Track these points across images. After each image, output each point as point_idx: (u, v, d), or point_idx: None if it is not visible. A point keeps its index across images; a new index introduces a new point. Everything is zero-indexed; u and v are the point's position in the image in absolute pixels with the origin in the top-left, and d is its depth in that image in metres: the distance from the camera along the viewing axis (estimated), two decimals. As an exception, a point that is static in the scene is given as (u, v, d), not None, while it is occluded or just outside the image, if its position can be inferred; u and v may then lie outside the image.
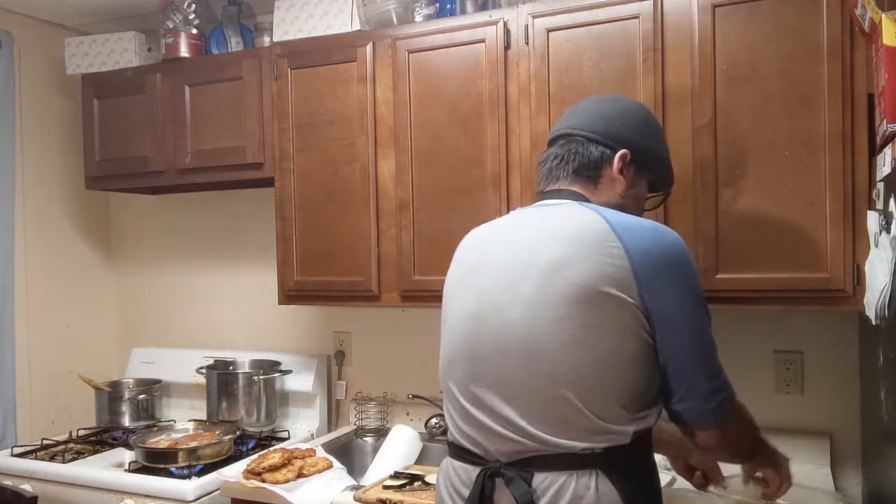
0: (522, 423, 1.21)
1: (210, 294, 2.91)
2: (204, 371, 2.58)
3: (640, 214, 1.44)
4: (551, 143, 1.43)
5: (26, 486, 2.17)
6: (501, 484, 1.23)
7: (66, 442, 2.51)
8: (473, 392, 1.28)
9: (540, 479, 1.20)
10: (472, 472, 1.27)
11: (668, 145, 1.50)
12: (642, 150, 1.39)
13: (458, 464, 1.32)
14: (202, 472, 2.10)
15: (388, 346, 2.57)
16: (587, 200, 1.34)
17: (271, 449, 2.14)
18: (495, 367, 1.25)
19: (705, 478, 1.51)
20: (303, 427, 2.58)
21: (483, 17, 2.00)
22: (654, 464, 1.31)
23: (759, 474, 1.44)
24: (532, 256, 1.25)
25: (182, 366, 2.79)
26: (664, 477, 1.83)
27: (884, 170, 1.22)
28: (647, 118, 1.44)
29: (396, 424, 2.28)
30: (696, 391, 1.21)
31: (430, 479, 1.87)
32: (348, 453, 2.41)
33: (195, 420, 2.50)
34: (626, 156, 1.36)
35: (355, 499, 1.82)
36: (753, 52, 1.70)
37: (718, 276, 1.74)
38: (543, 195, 1.40)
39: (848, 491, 1.97)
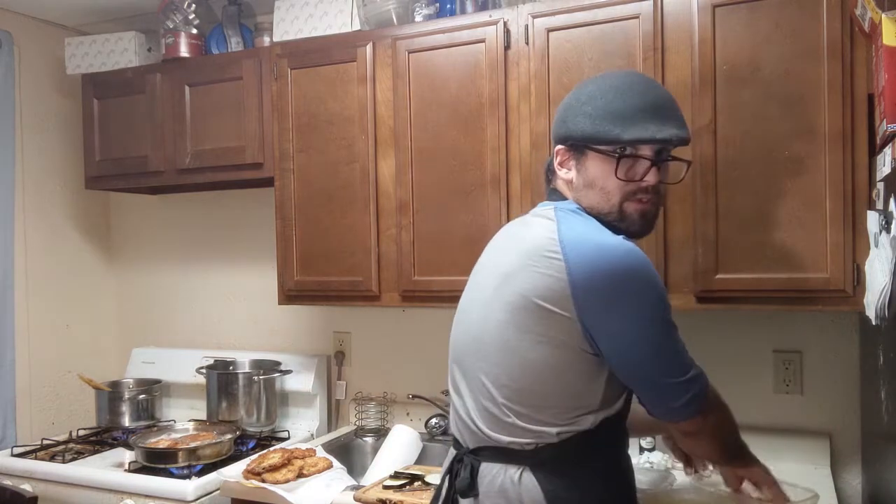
0: (473, 416, 1.33)
1: (210, 294, 2.91)
2: (204, 371, 2.58)
3: (622, 199, 1.32)
4: None
5: (26, 486, 2.17)
6: (462, 469, 1.35)
7: (66, 442, 2.51)
8: (454, 383, 1.41)
9: (483, 468, 1.31)
10: (451, 455, 1.42)
11: (630, 110, 1.30)
12: (572, 136, 1.35)
13: (451, 448, 1.45)
14: (202, 472, 2.10)
15: (388, 346, 2.57)
16: (565, 198, 1.40)
17: (271, 449, 2.13)
18: (463, 362, 1.38)
19: (689, 462, 1.56)
20: (303, 427, 2.58)
21: (483, 17, 2.00)
22: (602, 468, 1.30)
23: (755, 493, 1.42)
24: (499, 262, 1.35)
25: (182, 366, 2.79)
26: (664, 477, 1.83)
27: (884, 170, 1.22)
28: (578, 95, 1.35)
29: (396, 424, 2.28)
30: (663, 394, 1.26)
31: (430, 479, 1.87)
32: (348, 453, 2.41)
33: (195, 420, 2.50)
34: (558, 152, 1.40)
35: (355, 499, 1.82)
36: (753, 52, 1.70)
37: (718, 276, 1.74)
38: (549, 194, 1.46)
39: (848, 491, 1.97)
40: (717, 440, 1.36)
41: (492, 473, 1.29)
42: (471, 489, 1.31)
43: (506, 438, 1.27)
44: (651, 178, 1.32)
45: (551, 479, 1.25)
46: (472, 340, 1.35)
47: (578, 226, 1.29)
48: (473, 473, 1.32)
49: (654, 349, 1.23)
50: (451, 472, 1.38)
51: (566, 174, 1.39)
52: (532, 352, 1.24)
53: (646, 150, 1.32)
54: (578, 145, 1.35)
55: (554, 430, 1.25)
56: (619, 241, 1.25)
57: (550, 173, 1.44)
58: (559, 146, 1.39)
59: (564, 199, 1.39)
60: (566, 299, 1.21)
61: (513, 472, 1.27)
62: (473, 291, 1.41)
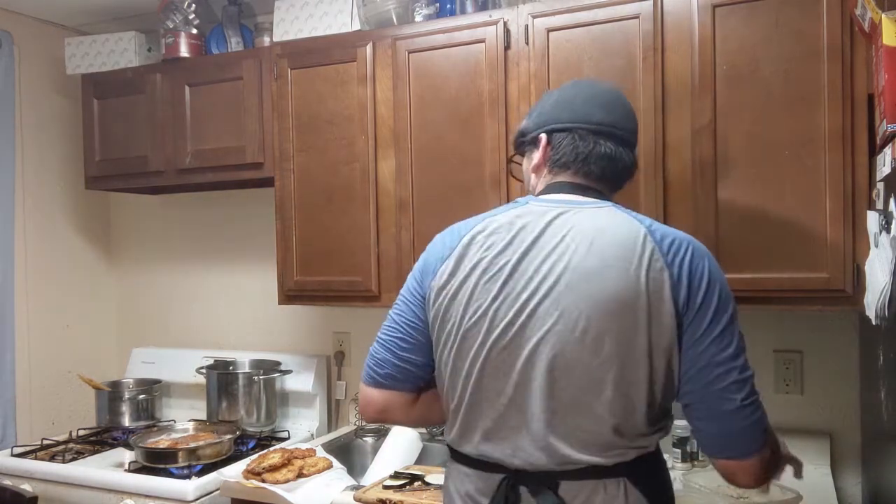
0: (550, 439, 1.16)
1: (210, 294, 2.91)
2: (204, 371, 2.58)
3: None
4: (587, 131, 1.28)
5: (26, 486, 2.17)
6: (526, 493, 1.18)
7: (66, 442, 2.51)
8: (501, 404, 1.20)
9: (567, 488, 1.16)
10: (491, 479, 1.21)
11: None
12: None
13: (470, 470, 1.25)
14: (202, 472, 2.10)
15: (388, 346, 2.57)
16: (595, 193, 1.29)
17: (271, 449, 2.14)
18: (530, 381, 1.17)
19: None
20: (303, 427, 2.58)
21: (483, 17, 2.00)
22: (667, 467, 1.31)
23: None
24: (574, 266, 1.15)
25: (182, 366, 2.79)
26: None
27: (884, 170, 1.22)
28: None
29: (396, 424, 2.28)
30: (728, 416, 1.14)
31: (430, 479, 1.87)
32: (348, 453, 2.41)
33: (195, 420, 2.50)
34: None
35: (355, 499, 1.82)
36: (753, 53, 1.70)
37: (718, 276, 1.74)
38: (574, 188, 1.28)
39: (848, 491, 1.97)
40: (763, 479, 1.24)
41: (584, 492, 1.16)
42: None
43: (610, 461, 1.16)
44: None
45: (651, 486, 1.20)
46: (548, 358, 1.15)
47: (662, 225, 1.21)
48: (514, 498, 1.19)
49: (733, 360, 1.15)
50: (507, 500, 1.19)
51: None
52: (636, 364, 1.14)
53: None
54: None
55: (653, 438, 1.19)
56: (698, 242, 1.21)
57: (627, 176, 1.33)
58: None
59: (600, 195, 1.29)
60: (667, 304, 1.13)
61: (612, 487, 1.16)
62: (525, 301, 1.17)
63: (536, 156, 1.33)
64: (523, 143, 1.37)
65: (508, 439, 1.19)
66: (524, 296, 1.18)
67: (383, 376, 1.31)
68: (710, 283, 1.16)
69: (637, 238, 1.16)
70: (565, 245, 1.18)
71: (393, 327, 1.32)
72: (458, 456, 1.28)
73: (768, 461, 1.19)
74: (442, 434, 2.33)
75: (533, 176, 1.35)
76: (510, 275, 1.19)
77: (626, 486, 1.17)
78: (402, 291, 1.34)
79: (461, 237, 1.27)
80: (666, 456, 1.98)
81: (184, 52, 2.50)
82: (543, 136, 1.31)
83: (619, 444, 1.16)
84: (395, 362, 1.31)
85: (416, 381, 1.33)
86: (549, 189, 1.30)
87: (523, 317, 1.17)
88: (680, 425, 1.99)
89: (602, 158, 1.27)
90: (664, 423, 1.22)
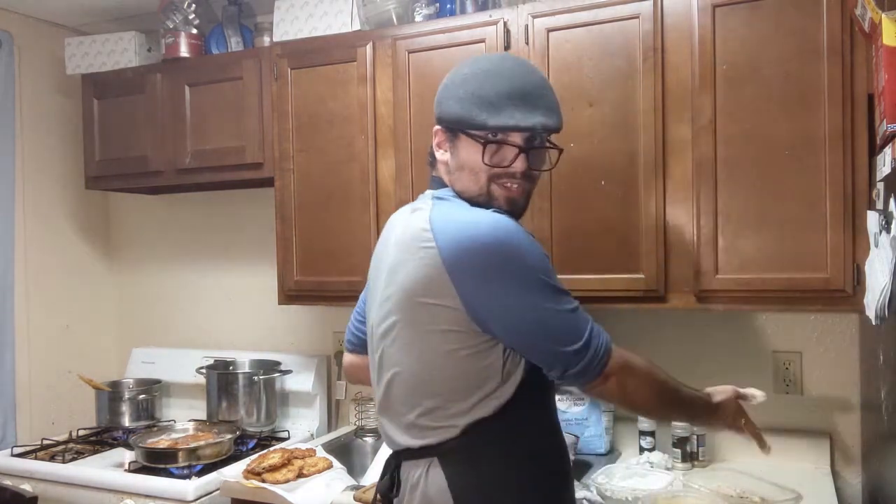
0: (384, 420, 1.36)
1: (210, 294, 2.91)
2: (204, 371, 2.58)
3: (489, 182, 1.29)
4: None
5: (26, 486, 2.17)
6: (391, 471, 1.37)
7: (66, 442, 2.51)
8: (375, 383, 1.40)
9: (403, 467, 1.32)
10: (388, 453, 1.42)
11: (497, 96, 1.26)
12: (444, 118, 1.33)
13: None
14: (202, 472, 2.10)
15: (388, 346, 2.57)
16: (445, 184, 1.36)
17: (271, 449, 2.14)
18: (373, 362, 1.38)
19: None
20: (303, 427, 2.58)
21: (483, 17, 2.00)
22: (511, 453, 1.27)
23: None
24: (386, 259, 1.33)
25: (182, 366, 2.79)
26: (665, 477, 1.83)
27: (884, 170, 1.22)
28: (454, 77, 1.33)
29: (396, 424, 2.28)
30: (558, 361, 1.22)
31: (430, 479, 1.87)
32: (348, 453, 2.41)
33: (195, 420, 2.50)
34: (435, 133, 1.36)
35: (355, 499, 1.82)
36: (753, 52, 1.70)
37: (718, 276, 1.74)
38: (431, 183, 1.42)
39: (848, 491, 1.97)
40: (632, 401, 1.32)
41: (406, 472, 1.30)
42: (391, 490, 1.34)
43: (418, 442, 1.27)
44: (518, 165, 1.29)
45: (456, 471, 1.24)
46: (376, 342, 1.34)
47: (446, 208, 1.27)
48: (395, 474, 1.33)
49: (540, 316, 1.20)
50: (384, 475, 1.39)
51: (442, 156, 1.35)
52: (424, 348, 1.24)
53: (515, 137, 1.28)
54: (452, 128, 1.32)
55: (459, 421, 1.23)
56: (484, 214, 1.23)
57: (432, 157, 1.40)
58: (436, 127, 1.36)
59: (444, 185, 1.36)
60: (444, 285, 1.19)
61: (422, 468, 1.27)
62: (372, 290, 1.40)
63: None
64: None
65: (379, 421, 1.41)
66: (371, 285, 1.41)
67: (346, 340, 1.59)
68: (479, 255, 1.19)
69: (419, 230, 1.24)
70: (386, 240, 1.36)
71: (358, 301, 1.57)
72: None
73: (609, 384, 1.26)
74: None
75: None
76: (377, 263, 1.40)
77: (430, 468, 1.26)
78: None
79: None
80: (665, 456, 2.00)
81: (184, 52, 2.50)
82: None
83: (428, 429, 1.26)
84: (352, 329, 1.56)
85: None
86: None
87: (369, 302, 1.41)
88: (680, 425, 1.99)
89: None
90: (475, 405, 1.23)
